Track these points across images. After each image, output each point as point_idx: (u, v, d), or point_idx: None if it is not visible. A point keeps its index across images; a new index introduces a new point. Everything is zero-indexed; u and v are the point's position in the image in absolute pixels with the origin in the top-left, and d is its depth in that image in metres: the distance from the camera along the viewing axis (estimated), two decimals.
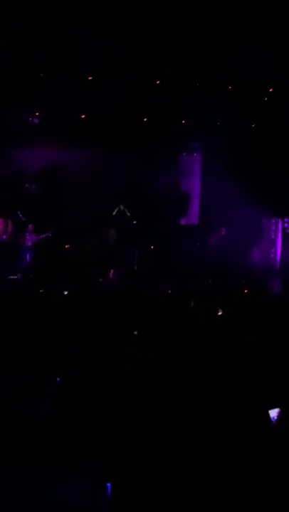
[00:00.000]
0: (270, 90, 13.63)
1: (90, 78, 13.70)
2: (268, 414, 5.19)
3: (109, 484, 4.93)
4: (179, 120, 13.70)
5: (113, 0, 11.06)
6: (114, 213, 14.02)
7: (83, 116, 13.97)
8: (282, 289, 12.60)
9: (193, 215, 14.16)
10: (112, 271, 13.30)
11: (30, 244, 13.76)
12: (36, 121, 14.16)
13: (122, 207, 13.99)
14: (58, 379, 7.62)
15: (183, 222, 14.28)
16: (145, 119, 13.97)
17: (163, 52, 11.83)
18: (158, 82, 13.70)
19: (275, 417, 5.09)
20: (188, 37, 11.77)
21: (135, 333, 9.59)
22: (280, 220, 14.43)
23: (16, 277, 13.39)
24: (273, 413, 5.21)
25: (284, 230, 14.43)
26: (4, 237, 14.08)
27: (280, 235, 14.35)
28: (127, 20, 11.28)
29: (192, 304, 9.04)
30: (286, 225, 14.47)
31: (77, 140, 13.40)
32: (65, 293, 12.16)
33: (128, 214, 14.01)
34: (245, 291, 12.42)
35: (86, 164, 13.83)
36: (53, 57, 12.58)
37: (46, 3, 11.18)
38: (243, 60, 12.20)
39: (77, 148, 13.62)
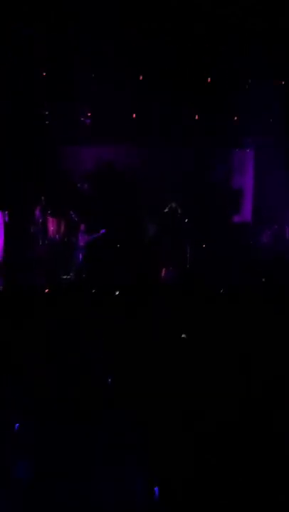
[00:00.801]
0: None
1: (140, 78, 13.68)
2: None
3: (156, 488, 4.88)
4: (232, 116, 13.51)
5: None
6: (166, 211, 13.86)
7: (134, 115, 13.92)
8: None
9: (246, 213, 13.90)
10: (164, 269, 13.14)
11: (82, 244, 13.72)
12: (88, 121, 14.15)
13: (173, 204, 13.82)
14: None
15: (236, 219, 14.02)
16: (197, 117, 13.83)
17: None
18: (209, 80, 13.56)
19: None
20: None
21: (183, 335, 9.41)
22: None
23: (68, 277, 13.37)
24: None
25: None
26: (57, 237, 14.09)
27: None
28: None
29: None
30: None
31: (129, 138, 13.38)
32: (117, 293, 12.08)
33: (180, 211, 13.83)
34: None
35: (138, 162, 13.75)
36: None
37: None
38: None
39: (128, 146, 13.57)
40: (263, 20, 11.59)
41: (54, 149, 13.51)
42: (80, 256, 13.68)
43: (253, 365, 6.13)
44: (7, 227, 13.62)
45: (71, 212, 14.01)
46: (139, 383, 5.57)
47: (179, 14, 11.59)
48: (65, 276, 13.43)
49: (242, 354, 6.38)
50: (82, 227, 13.75)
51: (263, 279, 12.46)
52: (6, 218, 13.67)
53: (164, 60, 12.25)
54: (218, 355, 6.42)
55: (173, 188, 13.80)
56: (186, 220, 13.78)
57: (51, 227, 14.09)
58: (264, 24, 11.62)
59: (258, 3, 11.47)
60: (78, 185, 14.28)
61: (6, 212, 13.64)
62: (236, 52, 11.87)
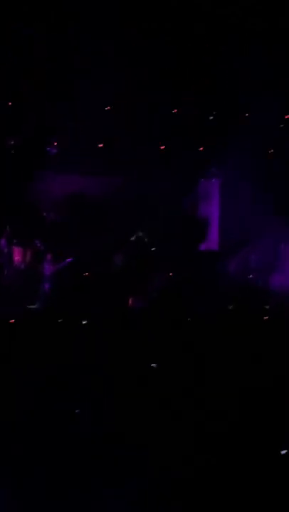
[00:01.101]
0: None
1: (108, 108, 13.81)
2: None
3: None
4: (197, 147, 13.72)
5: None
6: (132, 240, 13.92)
7: (101, 145, 14.04)
8: None
9: (212, 241, 14.09)
10: (130, 299, 13.17)
11: (48, 273, 13.66)
12: (54, 151, 14.21)
13: (140, 233, 13.90)
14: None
15: (202, 248, 14.19)
16: (162, 147, 14.01)
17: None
18: (175, 110, 13.79)
19: None
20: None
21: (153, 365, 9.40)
22: None
23: (34, 307, 13.26)
24: None
25: None
26: (22, 266, 13.99)
27: None
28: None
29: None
30: None
31: (97, 167, 13.44)
32: (84, 322, 12.04)
33: (146, 240, 13.91)
34: (265, 318, 12.32)
35: (105, 191, 13.83)
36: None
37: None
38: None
39: (96, 175, 13.64)
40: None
41: (24, 175, 13.55)
42: (46, 285, 13.61)
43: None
44: None
45: (37, 241, 13.97)
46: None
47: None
48: (30, 306, 13.34)
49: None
50: (49, 256, 13.72)
51: (231, 307, 12.64)
52: None
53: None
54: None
55: (140, 217, 13.91)
56: (153, 249, 13.88)
57: (17, 256, 14.01)
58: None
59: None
60: (44, 213, 14.27)
61: None
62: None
